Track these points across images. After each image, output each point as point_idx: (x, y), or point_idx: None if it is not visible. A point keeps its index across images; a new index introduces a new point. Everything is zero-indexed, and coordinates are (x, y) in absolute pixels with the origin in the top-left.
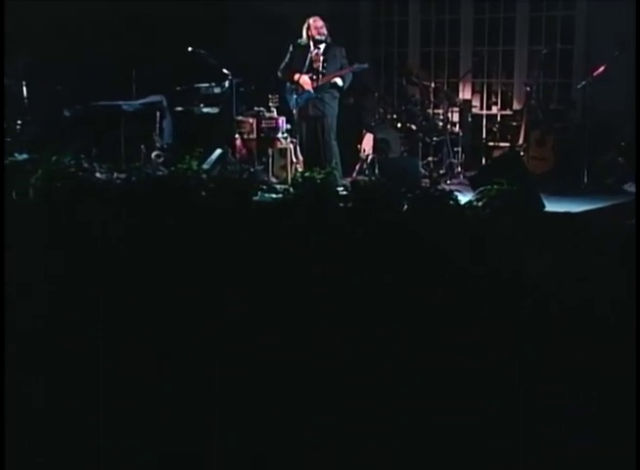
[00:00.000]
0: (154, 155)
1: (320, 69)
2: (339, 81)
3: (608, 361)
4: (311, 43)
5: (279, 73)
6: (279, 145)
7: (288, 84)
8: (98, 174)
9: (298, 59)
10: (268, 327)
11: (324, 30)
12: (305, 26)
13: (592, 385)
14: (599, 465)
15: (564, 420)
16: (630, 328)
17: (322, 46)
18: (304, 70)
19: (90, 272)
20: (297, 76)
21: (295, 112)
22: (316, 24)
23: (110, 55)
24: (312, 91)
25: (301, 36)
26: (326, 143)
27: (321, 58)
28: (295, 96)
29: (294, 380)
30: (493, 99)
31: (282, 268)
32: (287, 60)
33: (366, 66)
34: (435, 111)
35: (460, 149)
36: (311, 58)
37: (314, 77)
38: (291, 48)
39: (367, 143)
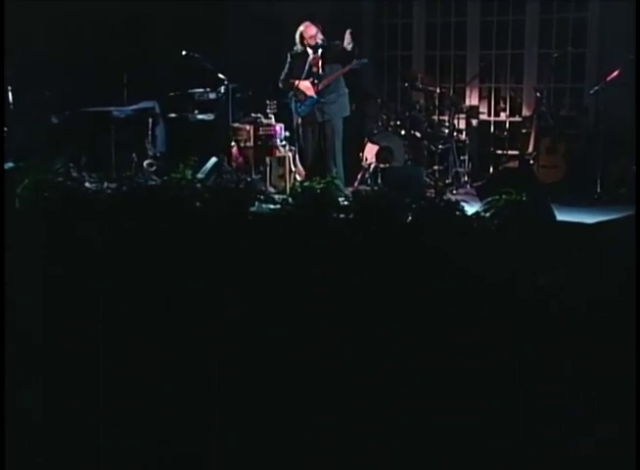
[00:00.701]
0: (146, 163)
1: (319, 72)
2: (347, 46)
3: (618, 375)
4: (308, 49)
5: (280, 84)
6: (277, 153)
7: (290, 93)
8: (87, 184)
9: (298, 66)
10: (265, 345)
11: (318, 37)
12: (298, 34)
13: (603, 397)
14: (599, 465)
15: (564, 421)
16: None
17: (320, 50)
18: (304, 76)
19: (78, 286)
20: (296, 83)
21: (297, 119)
22: (309, 32)
23: (100, 58)
24: (315, 96)
25: (296, 43)
26: (330, 150)
27: (320, 61)
28: (297, 103)
29: (288, 400)
30: (501, 105)
31: (280, 283)
32: (286, 70)
33: (365, 60)
34: (441, 117)
35: (467, 157)
36: (310, 62)
37: (315, 81)
38: (289, 58)
39: (369, 151)
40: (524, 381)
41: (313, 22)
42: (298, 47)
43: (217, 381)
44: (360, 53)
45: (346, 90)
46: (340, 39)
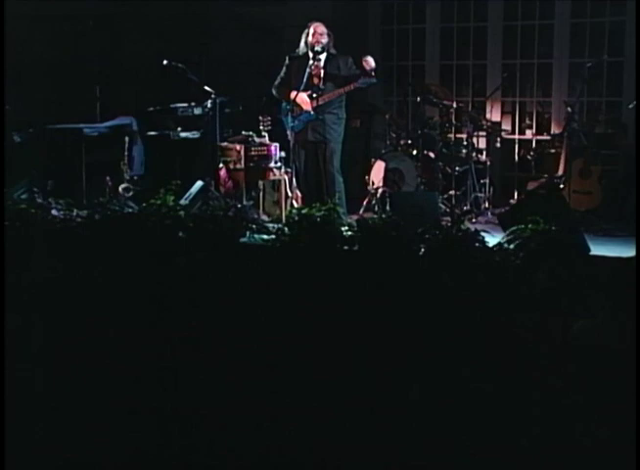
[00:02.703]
0: (121, 188)
1: (320, 85)
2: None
3: None
4: (310, 54)
5: (273, 91)
6: (271, 176)
7: (283, 104)
8: (54, 212)
9: (296, 73)
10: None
11: (324, 38)
12: (305, 33)
13: None
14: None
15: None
16: None
17: (322, 57)
18: (302, 87)
19: (40, 333)
20: (293, 94)
21: (291, 136)
22: (317, 30)
23: (69, 68)
24: (312, 112)
25: (299, 46)
26: (328, 174)
27: (321, 72)
28: (291, 118)
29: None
30: (527, 121)
31: (275, 325)
32: (282, 74)
33: (374, 80)
34: (458, 135)
35: (487, 181)
36: (310, 72)
37: (314, 95)
38: (287, 60)
39: (376, 174)
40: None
41: (326, 24)
42: (301, 49)
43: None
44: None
45: (345, 115)
46: (344, 51)
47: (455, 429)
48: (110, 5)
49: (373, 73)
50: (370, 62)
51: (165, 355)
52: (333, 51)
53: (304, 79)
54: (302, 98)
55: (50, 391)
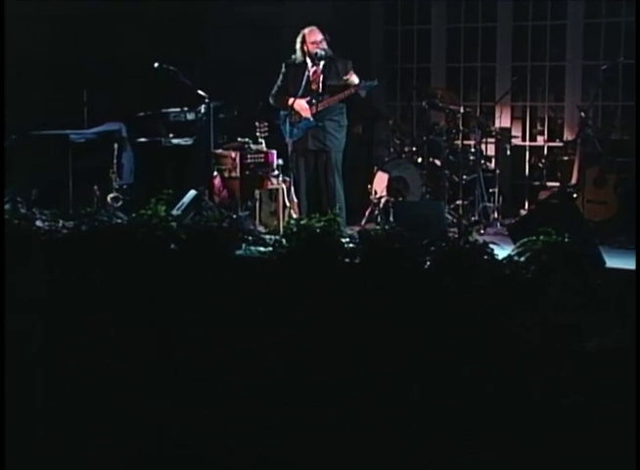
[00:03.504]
0: (110, 197)
1: (320, 90)
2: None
3: None
4: (308, 60)
5: (270, 100)
6: (268, 185)
7: (281, 111)
8: (39, 223)
9: (293, 80)
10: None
11: (323, 44)
12: (299, 39)
13: None
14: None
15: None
16: None
17: (321, 63)
18: (300, 93)
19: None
20: (291, 101)
21: (289, 144)
22: (313, 38)
23: (55, 71)
24: (311, 118)
25: (294, 52)
26: (328, 183)
27: (320, 77)
28: (289, 125)
29: None
30: (539, 127)
31: (272, 342)
32: (279, 82)
33: (375, 83)
34: (465, 142)
35: (497, 190)
36: (308, 77)
37: (313, 101)
38: (283, 68)
39: (379, 183)
40: None
41: (320, 28)
42: (297, 56)
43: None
44: (368, 70)
45: (346, 122)
46: (345, 53)
47: (455, 429)
48: (97, 5)
49: (354, 90)
50: (352, 79)
51: (159, 370)
52: (330, 55)
53: (302, 85)
54: (301, 104)
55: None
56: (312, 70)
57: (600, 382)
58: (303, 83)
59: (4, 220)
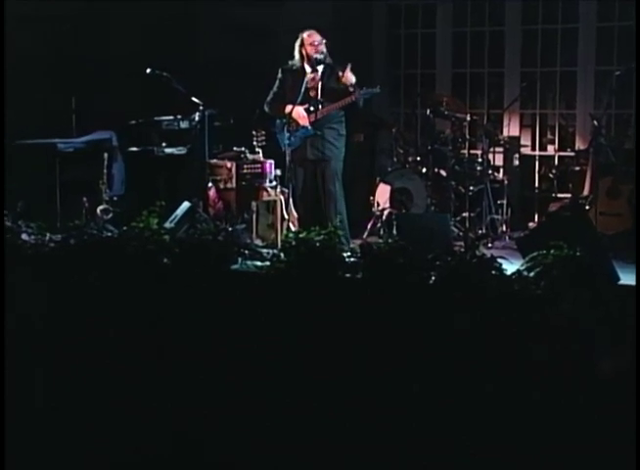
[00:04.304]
0: (100, 210)
1: (319, 97)
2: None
3: None
4: (306, 65)
5: (266, 107)
6: (266, 196)
7: (278, 120)
8: (25, 236)
9: (291, 86)
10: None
11: (322, 48)
12: (298, 43)
13: None
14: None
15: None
16: None
17: (320, 68)
18: (298, 101)
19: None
20: (288, 109)
21: (287, 154)
22: (311, 40)
23: (41, 76)
24: (309, 127)
25: (293, 57)
26: (329, 194)
27: (319, 83)
28: (287, 134)
29: None
30: (549, 136)
31: (270, 361)
32: (275, 89)
33: (377, 90)
34: (472, 151)
35: (505, 201)
36: (307, 84)
37: (311, 109)
38: (280, 74)
39: (382, 194)
40: None
41: (320, 32)
42: (296, 61)
43: None
44: (370, 76)
45: (345, 132)
46: (346, 58)
47: (455, 429)
48: (85, 6)
49: (352, 90)
50: (349, 77)
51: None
52: (329, 60)
53: (301, 92)
54: (299, 112)
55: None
56: (311, 76)
57: (600, 382)
58: (302, 90)
59: (4, 221)
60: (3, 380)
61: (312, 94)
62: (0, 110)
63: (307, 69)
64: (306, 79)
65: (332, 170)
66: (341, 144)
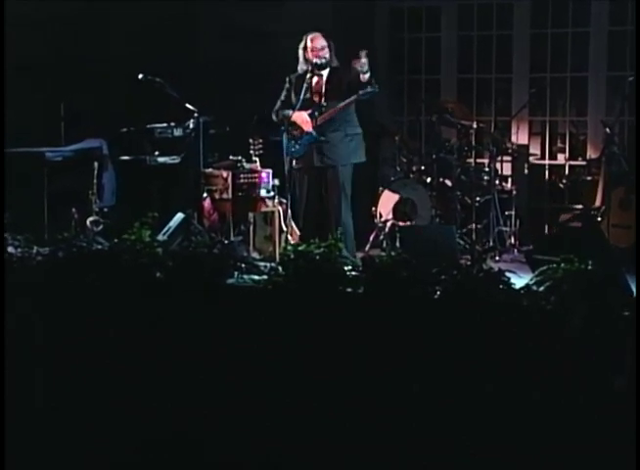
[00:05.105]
0: (90, 221)
1: (322, 101)
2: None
3: None
4: (309, 69)
5: (273, 116)
6: (263, 208)
7: (283, 127)
8: (11, 249)
9: (296, 92)
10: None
11: (325, 52)
12: (301, 46)
13: None
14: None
15: None
16: None
17: (325, 72)
18: (299, 106)
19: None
20: (290, 113)
21: (286, 161)
22: (314, 44)
23: (28, 82)
24: (313, 132)
25: (292, 59)
26: (336, 203)
27: (323, 88)
28: (292, 141)
29: None
30: (559, 144)
31: (266, 378)
32: (282, 97)
33: (376, 89)
34: (479, 160)
35: (513, 213)
36: (309, 88)
37: (315, 114)
38: (287, 82)
39: (385, 205)
40: None
41: (324, 34)
42: (300, 65)
43: None
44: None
45: (359, 129)
46: (349, 60)
47: (455, 429)
48: (75, 6)
49: (365, 75)
50: (362, 62)
51: None
52: (335, 64)
53: (301, 96)
54: (303, 118)
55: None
56: (314, 81)
57: (600, 382)
58: (302, 94)
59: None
60: (3, 380)
61: (316, 99)
62: (0, 103)
63: (311, 73)
64: (306, 84)
65: (337, 177)
66: (348, 147)
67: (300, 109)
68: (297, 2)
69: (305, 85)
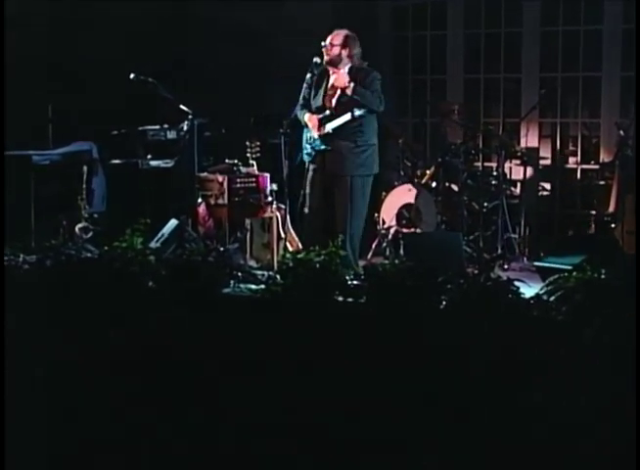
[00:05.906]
0: (78, 228)
1: (332, 105)
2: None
3: None
4: (329, 68)
5: (298, 114)
6: (261, 214)
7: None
8: None
9: (317, 91)
10: None
11: (333, 50)
12: (324, 44)
13: None
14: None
15: None
16: None
17: (342, 72)
18: (315, 107)
19: None
20: (306, 116)
21: (285, 166)
22: (329, 41)
23: (14, 82)
24: (317, 138)
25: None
26: (344, 212)
27: (338, 91)
28: (306, 143)
29: None
30: (571, 147)
31: (263, 393)
32: (304, 94)
33: (362, 111)
34: (487, 164)
35: (522, 219)
36: (326, 89)
37: (324, 119)
38: (308, 75)
39: (388, 211)
40: None
41: (347, 33)
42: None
43: None
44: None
45: (374, 140)
46: None
47: (455, 429)
48: (65, 5)
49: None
50: (341, 79)
51: None
52: (358, 64)
53: (319, 97)
54: (314, 122)
55: None
56: (331, 83)
57: (600, 382)
58: (317, 95)
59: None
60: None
61: (327, 103)
62: (0, 103)
63: (330, 73)
64: (326, 85)
65: (345, 188)
66: (357, 157)
67: (316, 111)
68: (297, 2)
69: (323, 86)
